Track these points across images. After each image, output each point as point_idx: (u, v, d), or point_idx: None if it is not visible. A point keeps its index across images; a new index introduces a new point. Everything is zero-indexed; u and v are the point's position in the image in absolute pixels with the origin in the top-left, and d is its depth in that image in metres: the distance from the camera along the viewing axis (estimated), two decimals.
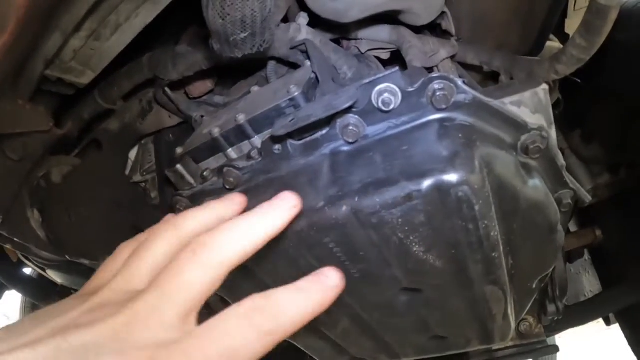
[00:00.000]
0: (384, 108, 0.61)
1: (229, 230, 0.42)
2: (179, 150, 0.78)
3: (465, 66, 0.96)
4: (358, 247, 0.63)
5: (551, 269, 0.84)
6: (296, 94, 0.69)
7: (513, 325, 0.88)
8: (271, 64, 0.84)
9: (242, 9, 0.57)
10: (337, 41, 0.92)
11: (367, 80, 0.62)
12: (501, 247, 0.66)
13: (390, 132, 0.64)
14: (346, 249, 0.63)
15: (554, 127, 0.69)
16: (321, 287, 0.41)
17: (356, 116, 0.64)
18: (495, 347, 1.20)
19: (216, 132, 0.76)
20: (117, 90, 0.83)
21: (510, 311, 0.83)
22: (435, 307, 0.76)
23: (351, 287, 0.61)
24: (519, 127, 0.66)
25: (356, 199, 0.58)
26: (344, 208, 0.59)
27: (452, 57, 0.92)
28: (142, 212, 0.79)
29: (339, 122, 0.64)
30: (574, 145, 1.30)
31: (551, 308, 1.19)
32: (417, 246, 0.63)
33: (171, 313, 0.37)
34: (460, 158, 0.57)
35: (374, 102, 0.61)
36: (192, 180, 0.77)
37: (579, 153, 1.29)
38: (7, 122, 0.58)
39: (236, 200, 0.50)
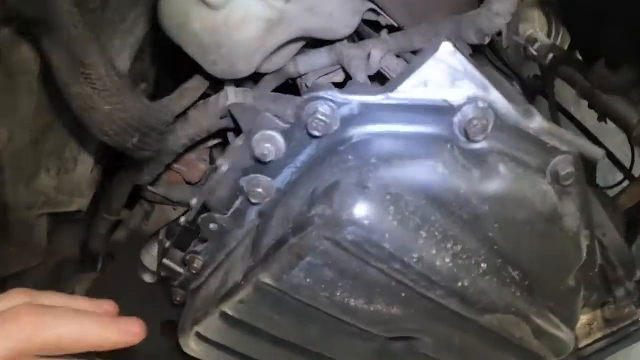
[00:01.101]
0: (263, 160, 0.52)
1: (59, 317, 0.39)
2: (167, 243, 0.80)
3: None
4: (298, 313, 0.53)
5: (583, 259, 0.60)
6: (225, 169, 0.66)
7: (565, 333, 0.66)
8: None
9: (117, 120, 0.57)
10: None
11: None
12: (476, 271, 0.50)
13: (294, 177, 0.55)
14: (288, 318, 0.55)
15: (492, 88, 0.49)
16: (115, 327, 0.40)
17: (258, 175, 0.56)
18: (581, 343, 0.89)
19: (182, 220, 0.77)
20: (116, 203, 0.91)
21: (548, 324, 0.62)
22: (444, 349, 0.59)
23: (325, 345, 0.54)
24: (444, 111, 0.48)
25: (260, 270, 0.50)
26: (252, 283, 0.51)
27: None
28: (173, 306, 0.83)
29: (245, 185, 0.58)
30: (601, 81, 0.96)
31: (620, 292, 0.83)
32: (353, 300, 0.50)
33: None
34: (340, 193, 0.44)
35: (256, 155, 0.53)
36: (180, 270, 0.78)
37: (611, 85, 0.94)
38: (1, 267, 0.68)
39: (104, 306, 0.46)
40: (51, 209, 0.71)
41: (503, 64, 0.92)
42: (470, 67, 0.48)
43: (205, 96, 0.81)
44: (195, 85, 0.69)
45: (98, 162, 0.74)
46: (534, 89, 1.23)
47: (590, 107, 1.06)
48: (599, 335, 0.88)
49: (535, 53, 1.13)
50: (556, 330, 0.66)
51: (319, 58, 0.83)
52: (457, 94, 0.48)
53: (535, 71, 1.25)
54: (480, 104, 0.48)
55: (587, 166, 1.06)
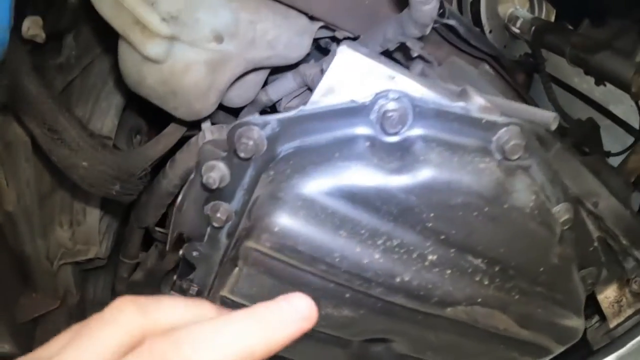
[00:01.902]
0: (211, 187, 0.55)
1: (213, 330, 0.28)
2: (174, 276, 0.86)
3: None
4: None
5: (556, 235, 0.55)
6: (179, 201, 0.70)
7: (566, 318, 0.61)
8: None
9: (96, 173, 0.65)
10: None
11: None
12: (419, 264, 0.48)
13: (245, 197, 0.57)
14: None
15: (402, 77, 0.48)
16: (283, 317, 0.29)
17: (217, 201, 0.60)
18: (612, 324, 0.77)
19: (180, 252, 0.82)
20: (131, 247, 1.00)
21: (541, 310, 0.57)
22: (423, 348, 0.56)
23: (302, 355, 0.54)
24: (358, 111, 0.48)
25: (219, 285, 0.53)
26: (217, 298, 0.53)
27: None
28: None
29: (208, 212, 0.62)
30: (586, 41, 0.87)
31: (629, 263, 0.70)
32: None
33: None
34: (256, 206, 0.46)
35: (204, 184, 0.57)
36: None
37: (596, 43, 0.85)
38: (25, 312, 0.77)
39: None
40: (71, 258, 0.81)
41: (470, 47, 0.88)
42: (372, 63, 0.49)
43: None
44: (170, 131, 0.75)
45: (105, 211, 0.83)
46: (527, 67, 1.16)
47: (586, 73, 0.98)
48: (629, 311, 0.77)
49: (518, 31, 1.08)
50: (553, 316, 0.61)
51: (285, 83, 0.87)
52: (365, 91, 0.49)
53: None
54: (392, 95, 0.48)
55: (591, 134, 0.97)
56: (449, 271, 0.50)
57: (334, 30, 0.84)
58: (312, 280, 0.48)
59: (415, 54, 0.77)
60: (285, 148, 0.52)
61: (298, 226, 0.45)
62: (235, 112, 0.89)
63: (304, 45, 0.78)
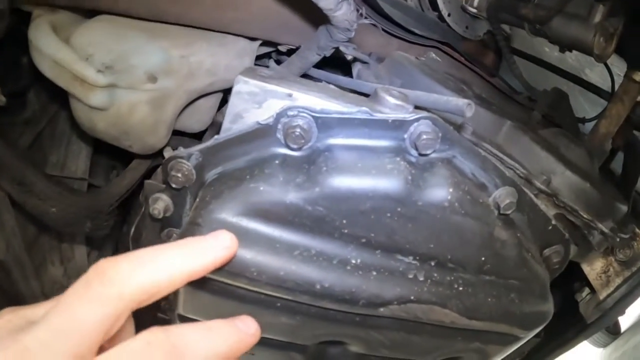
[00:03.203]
0: (157, 218, 0.57)
1: (138, 258, 0.33)
2: None
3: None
4: None
5: (492, 221, 0.54)
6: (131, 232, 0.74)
7: (526, 303, 0.59)
8: None
9: (66, 216, 0.70)
10: None
11: None
12: (340, 270, 0.48)
13: None
14: None
15: (299, 94, 0.49)
16: (235, 331, 0.37)
17: (169, 228, 0.63)
18: (601, 295, 0.72)
19: None
20: None
21: (501, 303, 0.56)
22: (377, 347, 0.56)
23: None
24: (265, 133, 0.49)
25: (175, 304, 0.56)
26: (175, 317, 0.57)
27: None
28: None
29: (164, 238, 0.65)
30: (535, 10, 0.82)
31: (595, 238, 0.65)
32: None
33: (62, 355, 0.30)
34: (181, 233, 0.48)
35: (150, 215, 0.60)
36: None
37: (545, 11, 0.80)
38: None
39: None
40: None
41: (417, 37, 0.86)
42: (268, 86, 0.50)
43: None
44: (134, 166, 0.80)
45: (92, 246, 0.88)
46: (493, 46, 1.12)
47: (551, 42, 0.94)
48: (618, 280, 0.71)
49: (475, 10, 1.04)
50: (509, 304, 0.59)
51: None
52: (267, 113, 0.50)
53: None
54: (290, 112, 0.49)
55: (558, 103, 0.92)
56: (374, 273, 0.49)
57: (275, 45, 0.86)
58: (243, 293, 0.50)
59: (349, 57, 0.77)
60: (210, 175, 0.54)
61: None
62: (200, 135, 0.93)
63: (246, 65, 0.80)
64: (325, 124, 0.49)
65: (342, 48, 0.74)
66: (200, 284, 0.51)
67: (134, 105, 0.68)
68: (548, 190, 0.64)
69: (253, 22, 0.73)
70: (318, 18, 0.78)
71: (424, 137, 0.49)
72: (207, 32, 0.72)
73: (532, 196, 0.60)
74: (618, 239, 0.65)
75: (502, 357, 0.68)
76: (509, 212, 0.57)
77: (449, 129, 0.51)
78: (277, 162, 0.50)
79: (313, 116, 0.49)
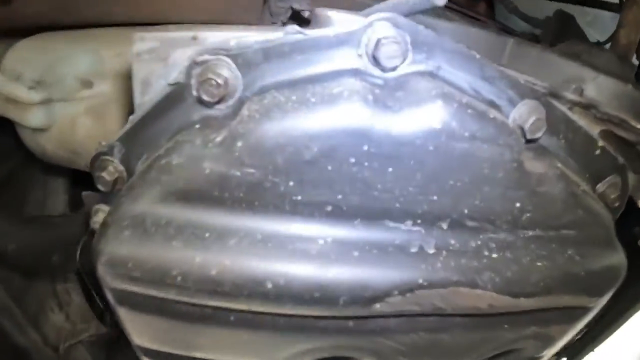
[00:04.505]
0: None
1: None
2: None
3: None
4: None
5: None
6: None
7: (606, 257, 0.37)
8: None
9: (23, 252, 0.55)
10: None
11: None
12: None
13: None
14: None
15: (199, 33, 0.30)
16: None
17: None
18: None
19: None
20: None
21: (555, 266, 0.34)
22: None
23: None
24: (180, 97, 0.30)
25: None
26: None
27: None
28: None
29: None
30: None
31: None
32: (196, 337, 0.32)
33: None
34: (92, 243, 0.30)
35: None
36: None
37: None
38: None
39: None
40: (75, 338, 0.71)
41: None
42: (166, 35, 0.32)
43: None
44: None
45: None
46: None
47: None
48: None
49: None
50: (567, 264, 0.35)
51: None
52: (175, 69, 0.31)
53: None
54: (200, 59, 0.29)
55: (565, 26, 0.68)
56: (355, 253, 0.28)
57: None
58: (183, 309, 0.30)
59: (306, 15, 0.59)
60: (139, 165, 0.37)
61: (125, 250, 0.29)
62: None
63: None
64: (247, 62, 0.30)
65: (295, 6, 0.56)
66: (131, 304, 0.32)
67: (74, 119, 0.53)
68: (583, 100, 0.40)
69: (197, 6, 0.58)
70: None
71: (384, 43, 0.29)
72: (147, 27, 0.58)
73: (566, 110, 0.37)
74: None
75: (573, 334, 0.44)
76: (538, 134, 0.34)
77: (420, 29, 0.30)
78: (197, 126, 0.32)
79: (230, 55, 0.31)
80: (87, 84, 0.52)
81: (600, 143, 0.40)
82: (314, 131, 0.27)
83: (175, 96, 0.32)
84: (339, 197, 0.28)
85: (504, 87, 0.34)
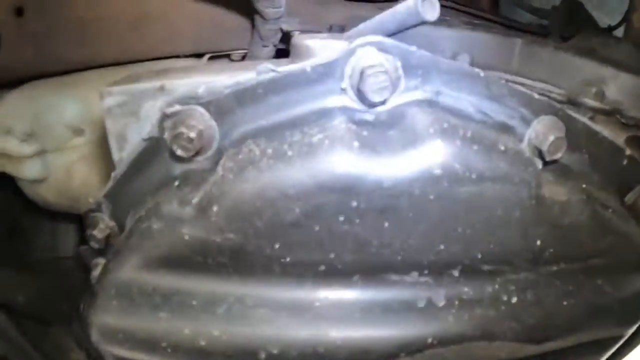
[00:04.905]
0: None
1: None
2: None
3: None
4: None
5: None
6: None
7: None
8: None
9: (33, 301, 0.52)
10: None
11: None
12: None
13: None
14: None
15: (166, 82, 0.26)
16: None
17: None
18: None
19: None
20: None
21: (584, 299, 0.29)
22: None
23: None
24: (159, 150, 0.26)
25: None
26: None
27: None
28: None
29: None
30: None
31: None
32: None
33: None
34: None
35: None
36: None
37: None
38: None
39: None
40: None
41: None
42: (133, 87, 0.28)
43: None
44: None
45: None
46: None
47: None
48: None
49: None
50: (598, 295, 0.29)
51: None
52: (148, 123, 0.28)
53: None
54: (170, 111, 0.25)
55: (573, 14, 0.60)
56: (356, 314, 0.24)
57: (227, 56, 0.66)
58: None
59: (296, 33, 0.54)
60: (128, 222, 0.34)
61: (114, 321, 0.26)
62: None
63: None
64: (220, 109, 0.26)
65: (284, 27, 0.51)
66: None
67: (69, 168, 0.50)
68: (605, 106, 0.34)
69: (183, 36, 0.54)
70: (250, 10, 0.57)
71: (370, 73, 0.24)
72: (139, 64, 0.54)
73: (587, 121, 0.31)
74: None
75: None
76: (559, 155, 0.29)
77: (411, 51, 0.25)
78: (176, 183, 0.28)
79: (201, 104, 0.26)
80: (79, 131, 0.49)
81: (628, 152, 0.34)
82: (293, 191, 0.22)
83: (151, 151, 0.28)
84: (332, 256, 0.24)
85: (516, 105, 0.28)
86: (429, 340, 0.25)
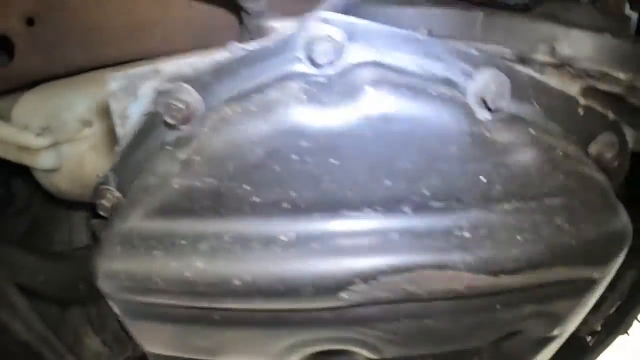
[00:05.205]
0: None
1: None
2: None
3: None
4: None
5: None
6: None
7: (606, 222, 0.35)
8: None
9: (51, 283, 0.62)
10: None
11: None
12: None
13: None
14: None
15: (160, 65, 0.34)
16: None
17: None
18: None
19: None
20: None
21: (549, 236, 0.33)
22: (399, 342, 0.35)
23: None
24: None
25: None
26: None
27: None
28: None
29: None
30: None
31: None
32: (195, 340, 0.36)
33: None
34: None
35: None
36: None
37: None
38: None
39: None
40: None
41: None
42: (131, 72, 0.36)
43: None
44: None
45: None
46: None
47: None
48: None
49: None
50: (557, 233, 0.34)
51: None
52: (145, 101, 0.36)
53: None
54: (162, 89, 0.35)
55: None
56: (314, 245, 0.29)
57: None
58: (175, 312, 0.34)
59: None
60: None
61: (117, 264, 0.34)
62: None
63: None
64: (204, 85, 0.33)
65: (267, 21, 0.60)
66: (132, 313, 0.37)
67: (80, 156, 0.60)
68: (554, 59, 0.39)
69: (176, 37, 0.63)
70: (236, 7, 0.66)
71: (316, 42, 0.30)
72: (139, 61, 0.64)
73: (532, 72, 0.37)
74: None
75: (586, 309, 0.42)
76: (502, 103, 0.34)
77: (354, 21, 0.31)
78: (169, 147, 0.36)
79: (187, 81, 0.34)
80: (87, 123, 0.59)
81: (583, 101, 0.39)
82: (256, 136, 0.29)
83: (149, 124, 0.36)
84: (293, 194, 0.30)
85: (456, 61, 0.34)
86: (381, 267, 0.29)
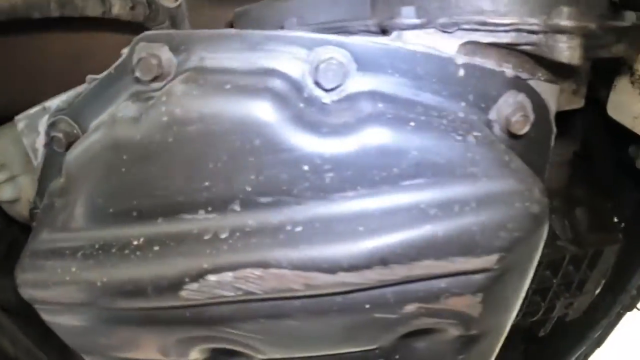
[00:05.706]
0: None
1: None
2: None
3: None
4: None
5: None
6: None
7: (499, 207, 0.30)
8: None
9: None
10: None
11: None
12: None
13: None
14: None
15: (47, 103, 0.42)
16: None
17: None
18: None
19: None
20: None
21: (413, 217, 0.30)
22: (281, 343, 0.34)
23: None
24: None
25: None
26: None
27: None
28: None
29: None
30: None
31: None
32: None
33: None
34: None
35: None
36: None
37: None
38: None
39: None
40: None
41: None
42: (28, 112, 0.44)
43: None
44: None
45: None
46: None
47: None
48: None
49: None
50: (421, 218, 0.28)
51: None
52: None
53: None
54: (49, 121, 0.42)
55: None
56: (155, 248, 0.31)
57: None
58: (79, 313, 0.38)
59: None
60: None
61: (26, 275, 0.39)
62: None
63: None
64: (77, 114, 0.39)
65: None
66: (48, 318, 0.43)
67: (35, 185, 0.67)
68: (419, 20, 0.32)
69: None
70: None
71: (144, 57, 0.33)
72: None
73: (364, 39, 0.32)
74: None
75: (508, 302, 0.34)
76: (337, 81, 0.31)
77: (172, 33, 0.33)
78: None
79: (65, 114, 0.41)
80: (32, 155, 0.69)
81: (460, 60, 0.32)
82: (98, 154, 0.34)
83: (48, 153, 0.44)
84: (134, 202, 0.33)
85: (287, 47, 0.33)
86: (204, 266, 0.30)
